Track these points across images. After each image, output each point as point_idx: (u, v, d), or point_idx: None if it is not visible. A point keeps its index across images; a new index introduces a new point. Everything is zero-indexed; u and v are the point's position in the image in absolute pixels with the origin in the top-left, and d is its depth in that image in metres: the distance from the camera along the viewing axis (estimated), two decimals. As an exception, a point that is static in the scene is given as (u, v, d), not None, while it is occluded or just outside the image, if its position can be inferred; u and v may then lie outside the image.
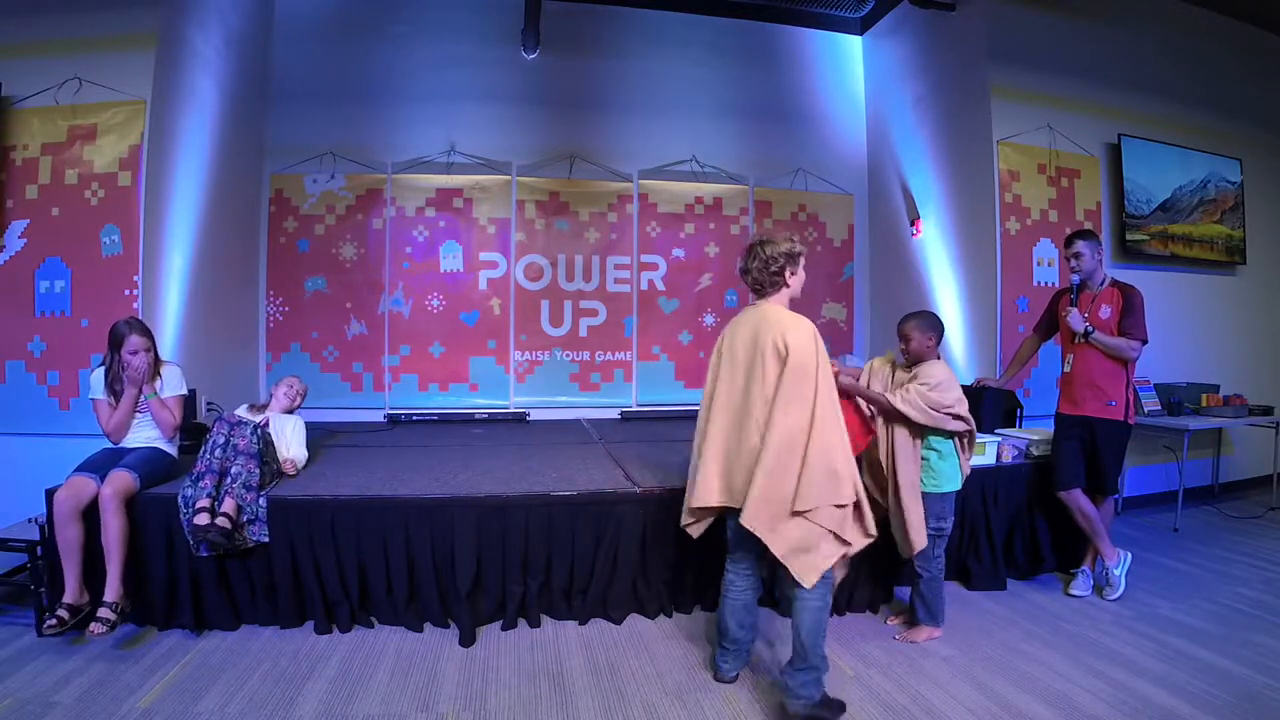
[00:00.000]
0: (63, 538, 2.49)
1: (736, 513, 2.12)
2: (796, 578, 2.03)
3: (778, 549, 2.02)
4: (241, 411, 3.24)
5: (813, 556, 2.03)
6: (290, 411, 3.37)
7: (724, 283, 5.65)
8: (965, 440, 2.70)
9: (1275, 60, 5.45)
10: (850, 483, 2.05)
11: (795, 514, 2.01)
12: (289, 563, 2.69)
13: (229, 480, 2.66)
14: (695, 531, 2.37)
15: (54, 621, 2.40)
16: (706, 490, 2.20)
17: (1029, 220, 4.45)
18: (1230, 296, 5.18)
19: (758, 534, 2.03)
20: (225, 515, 2.55)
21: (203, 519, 2.52)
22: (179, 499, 2.59)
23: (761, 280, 2.24)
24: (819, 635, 2.08)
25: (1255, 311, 5.32)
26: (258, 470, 2.73)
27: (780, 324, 2.11)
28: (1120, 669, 2.43)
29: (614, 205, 5.51)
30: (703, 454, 2.24)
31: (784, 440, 2.01)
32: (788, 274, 2.23)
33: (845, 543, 2.06)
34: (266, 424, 3.08)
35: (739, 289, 5.68)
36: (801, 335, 2.08)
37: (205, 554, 2.58)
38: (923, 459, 2.68)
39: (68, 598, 2.47)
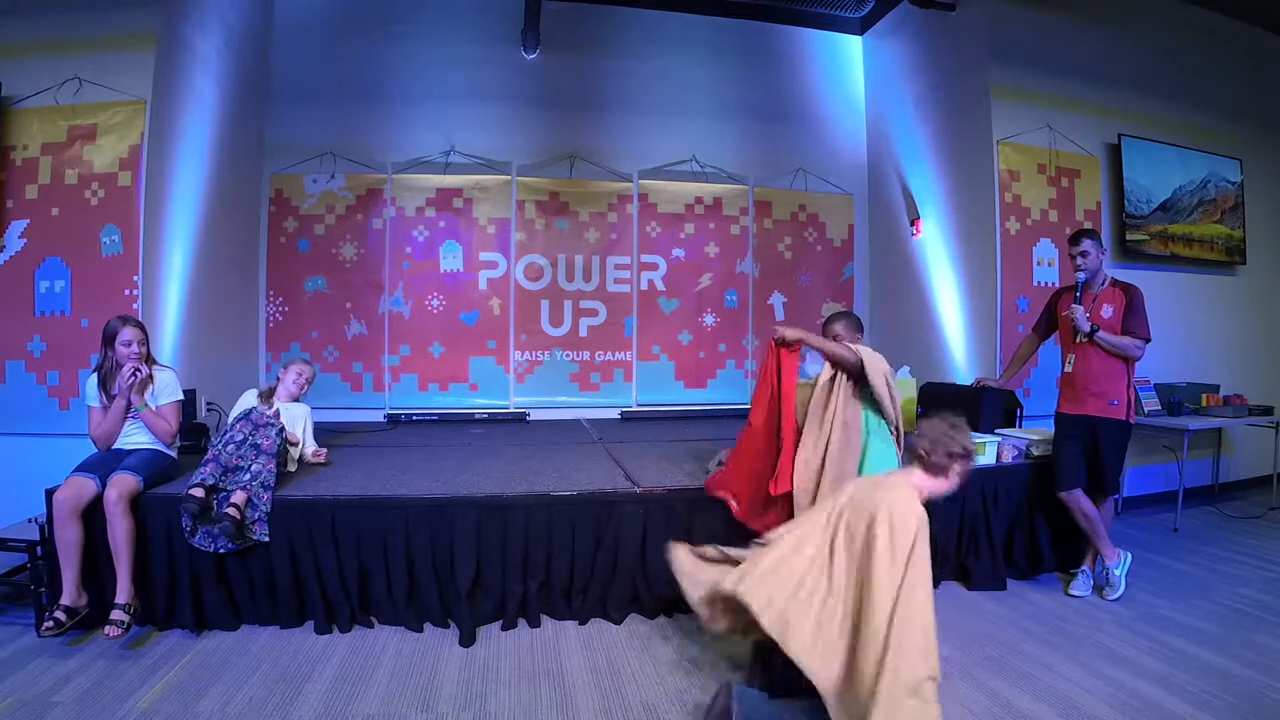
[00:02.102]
0: (61, 538, 2.49)
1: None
2: None
3: None
4: (250, 398, 3.24)
5: None
6: (296, 399, 3.38)
7: (724, 283, 5.65)
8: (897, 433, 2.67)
9: (1275, 60, 5.45)
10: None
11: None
12: (289, 563, 2.69)
13: (246, 477, 2.65)
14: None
15: (51, 624, 2.40)
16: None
17: (1029, 220, 4.45)
18: (1230, 296, 5.18)
19: None
20: (235, 506, 2.55)
21: (197, 492, 2.53)
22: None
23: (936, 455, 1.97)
24: None
25: (1255, 311, 5.32)
26: (275, 472, 2.73)
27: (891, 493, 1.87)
28: (1120, 669, 2.43)
29: (614, 205, 5.51)
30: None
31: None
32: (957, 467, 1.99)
33: None
34: (278, 416, 3.10)
35: (739, 289, 5.68)
36: (907, 512, 1.82)
37: (203, 545, 2.56)
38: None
39: (65, 599, 2.47)
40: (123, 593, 2.48)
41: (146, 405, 2.78)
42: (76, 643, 2.52)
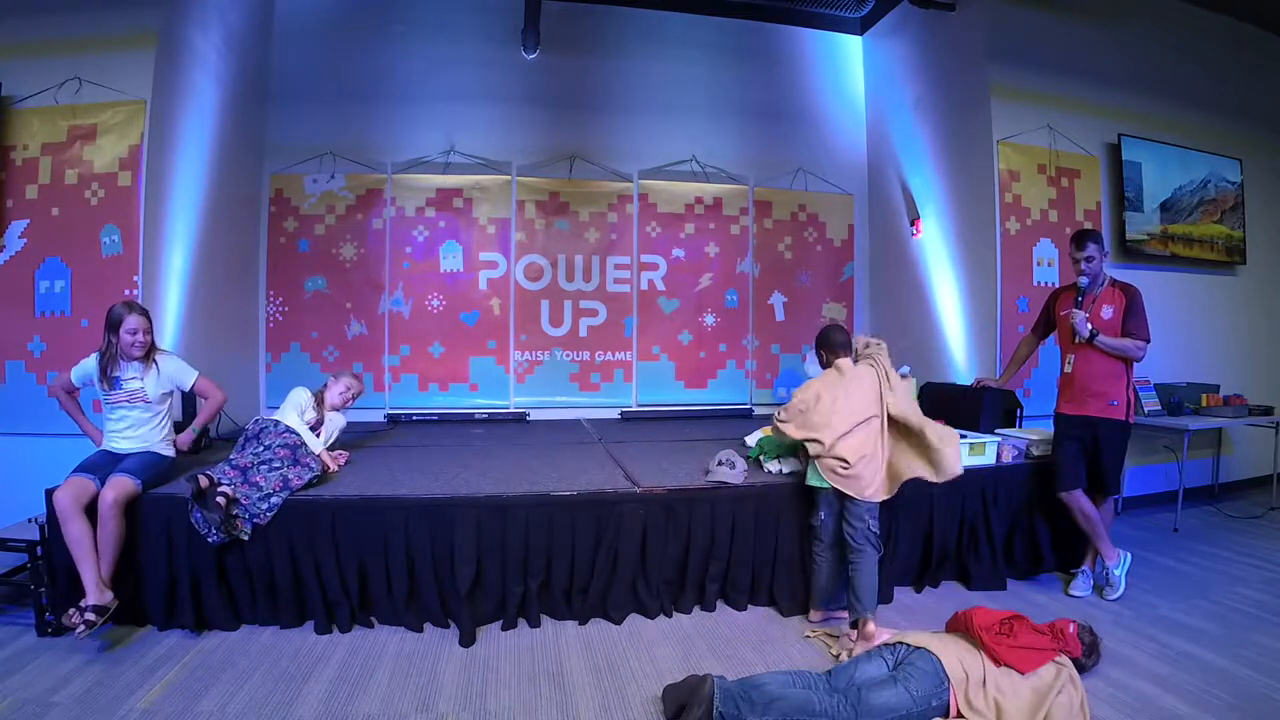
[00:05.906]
0: (70, 535, 2.46)
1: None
2: None
3: None
4: (302, 395, 3.28)
5: None
6: (339, 410, 3.45)
7: (724, 283, 5.65)
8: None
9: (1275, 60, 5.45)
10: None
11: None
12: (289, 563, 2.69)
13: (256, 495, 2.65)
14: None
15: (83, 627, 2.32)
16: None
17: (1029, 220, 4.45)
18: (1230, 296, 5.18)
19: None
20: (224, 495, 2.55)
21: (203, 481, 2.56)
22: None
23: None
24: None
25: (1255, 311, 5.32)
26: (279, 506, 2.71)
27: None
28: (1120, 669, 2.42)
29: (614, 205, 5.51)
30: None
31: None
32: None
33: None
34: (321, 424, 3.22)
35: (739, 289, 5.68)
36: None
37: (197, 523, 2.55)
38: None
39: (90, 599, 2.40)
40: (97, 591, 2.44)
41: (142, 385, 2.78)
42: (75, 644, 2.51)
